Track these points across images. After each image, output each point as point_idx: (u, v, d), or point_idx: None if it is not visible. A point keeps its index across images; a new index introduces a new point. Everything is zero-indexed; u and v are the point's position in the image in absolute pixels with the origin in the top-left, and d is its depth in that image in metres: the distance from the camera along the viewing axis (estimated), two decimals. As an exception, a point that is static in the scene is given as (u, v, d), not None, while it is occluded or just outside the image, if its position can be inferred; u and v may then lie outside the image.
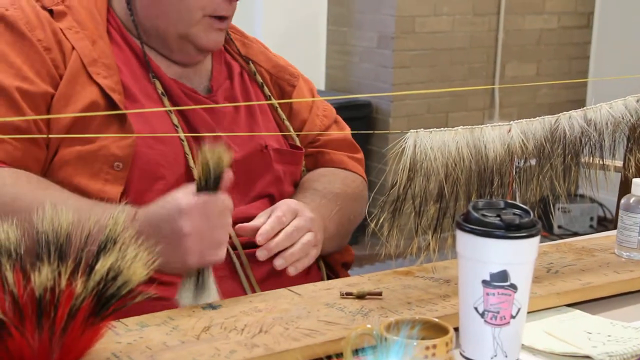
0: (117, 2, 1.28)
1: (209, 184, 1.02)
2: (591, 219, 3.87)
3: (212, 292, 1.02)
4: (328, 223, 1.27)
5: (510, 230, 0.87)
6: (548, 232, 3.72)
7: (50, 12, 1.21)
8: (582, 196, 3.73)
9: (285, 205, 1.19)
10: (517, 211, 0.92)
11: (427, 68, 3.67)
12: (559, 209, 3.69)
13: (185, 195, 1.03)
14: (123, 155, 1.15)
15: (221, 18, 1.26)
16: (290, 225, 1.17)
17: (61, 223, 0.83)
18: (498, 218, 0.89)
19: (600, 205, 3.91)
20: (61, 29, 1.19)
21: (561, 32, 4.00)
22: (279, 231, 1.16)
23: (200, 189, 1.02)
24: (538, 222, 0.90)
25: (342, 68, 3.81)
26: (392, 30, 3.54)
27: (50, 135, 1.15)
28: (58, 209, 0.84)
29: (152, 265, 0.81)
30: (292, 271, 1.16)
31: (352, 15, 3.70)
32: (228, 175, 1.04)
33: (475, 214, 0.89)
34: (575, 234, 3.74)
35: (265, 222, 1.16)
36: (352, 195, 1.36)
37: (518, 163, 1.17)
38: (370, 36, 3.65)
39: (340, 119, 1.48)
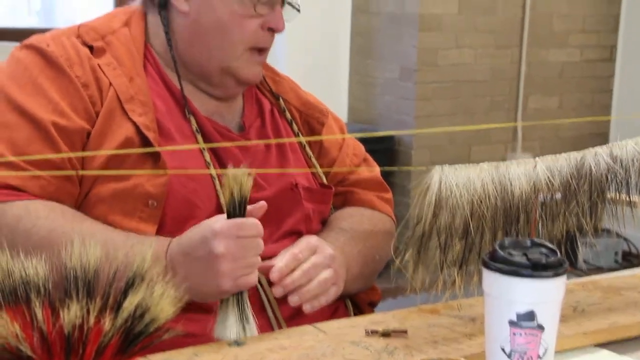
0: (156, 37, 1.30)
1: (237, 209, 1.04)
2: (616, 253, 3.83)
3: (251, 325, 1.03)
4: (352, 262, 1.26)
5: (537, 270, 0.87)
6: (573, 266, 3.68)
7: (90, 48, 1.24)
8: (607, 231, 3.70)
9: (304, 242, 1.20)
10: (544, 250, 0.92)
11: (449, 100, 3.67)
12: (584, 243, 3.66)
13: (217, 219, 1.06)
14: (157, 193, 1.16)
15: (261, 50, 1.29)
16: (308, 261, 1.18)
17: (89, 259, 0.83)
18: (525, 257, 0.89)
19: (626, 240, 3.88)
20: (99, 65, 1.22)
21: (584, 65, 4.00)
22: (296, 268, 1.16)
23: (229, 216, 1.05)
24: (565, 262, 0.90)
25: (365, 100, 3.82)
26: (414, 62, 3.55)
27: (80, 172, 1.16)
28: (87, 244, 0.85)
29: (179, 303, 0.81)
30: (307, 308, 1.17)
31: (375, 48, 3.72)
32: (261, 204, 1.08)
33: (502, 253, 0.89)
34: (600, 269, 3.70)
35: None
36: (379, 236, 1.36)
37: (544, 198, 1.16)
38: (392, 68, 3.67)
39: (369, 157, 1.48)
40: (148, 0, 1.30)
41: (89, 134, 1.17)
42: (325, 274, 1.18)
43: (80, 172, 1.16)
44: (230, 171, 1.02)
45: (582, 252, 3.79)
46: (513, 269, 0.87)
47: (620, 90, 4.08)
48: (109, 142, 1.17)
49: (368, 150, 1.50)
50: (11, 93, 1.18)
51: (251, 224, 1.06)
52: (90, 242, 0.85)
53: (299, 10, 1.33)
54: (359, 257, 1.29)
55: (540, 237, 1.13)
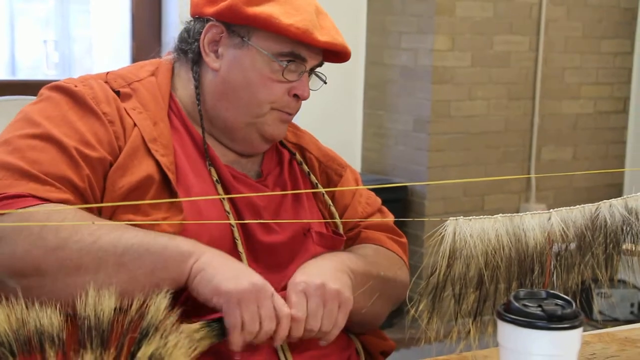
0: (184, 89, 1.34)
1: None
2: (632, 305, 3.79)
3: None
4: (357, 274, 1.27)
5: (552, 321, 0.86)
6: (588, 317, 3.65)
7: (117, 93, 1.28)
8: (623, 282, 3.67)
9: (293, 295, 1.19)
10: (559, 301, 0.91)
11: (462, 151, 3.68)
12: (599, 294, 3.63)
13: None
14: (172, 232, 1.17)
15: (288, 113, 1.32)
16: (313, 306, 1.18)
17: (103, 308, 0.84)
18: (540, 308, 0.88)
19: (640, 290, 3.84)
20: (125, 109, 1.25)
21: (597, 117, 4.01)
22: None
23: None
24: (580, 313, 0.89)
25: (378, 151, 3.84)
26: (428, 114, 3.57)
27: (92, 205, 1.19)
28: (101, 293, 0.85)
29: (194, 353, 0.81)
30: (323, 343, 1.19)
31: (388, 99, 3.75)
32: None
33: (517, 304, 0.89)
34: (616, 320, 3.66)
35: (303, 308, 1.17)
36: (390, 275, 1.36)
37: (558, 249, 1.16)
38: (406, 120, 3.69)
39: (385, 209, 1.50)
40: (182, 54, 1.34)
41: (111, 164, 1.21)
42: (330, 306, 1.18)
43: (91, 205, 1.19)
44: None
45: (598, 304, 3.75)
46: (528, 321, 0.86)
47: (634, 142, 4.08)
48: (130, 176, 1.20)
49: (382, 201, 1.51)
50: (40, 123, 1.21)
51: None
52: (105, 292, 0.86)
53: (325, 82, 1.37)
54: (364, 274, 1.29)
55: (555, 288, 1.13)
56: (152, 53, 1.49)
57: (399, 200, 3.64)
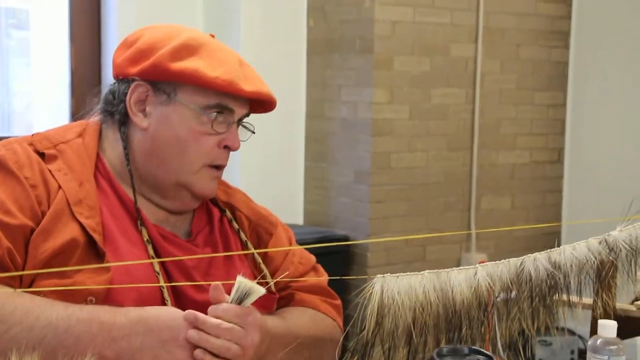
0: (112, 150, 1.34)
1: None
2: (572, 351, 3.84)
3: None
4: (276, 343, 1.27)
5: (474, 378, 0.88)
6: (530, 365, 3.69)
7: (42, 155, 1.27)
8: (563, 329, 3.73)
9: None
10: (481, 357, 0.93)
11: (403, 202, 3.72)
12: (540, 342, 3.67)
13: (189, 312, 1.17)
14: (97, 291, 1.17)
15: (218, 167, 1.33)
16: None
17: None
18: (462, 365, 0.90)
19: (581, 338, 3.90)
20: (50, 170, 1.25)
21: (533, 167, 4.11)
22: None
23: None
24: (502, 369, 0.91)
25: (320, 203, 3.86)
26: (368, 165, 3.61)
27: (13, 273, 1.18)
28: (25, 356, 0.85)
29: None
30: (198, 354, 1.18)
31: (329, 152, 3.79)
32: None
33: (440, 361, 0.91)
34: (557, 367, 3.70)
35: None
36: (319, 335, 1.37)
37: (496, 299, 1.18)
38: (347, 172, 3.73)
39: (320, 267, 1.51)
40: (108, 116, 1.35)
41: (32, 230, 1.20)
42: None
43: (14, 273, 1.19)
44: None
45: (539, 350, 3.77)
46: (450, 378, 0.88)
47: (569, 191, 4.18)
48: (54, 240, 1.20)
49: (324, 253, 1.52)
50: None
51: (221, 328, 1.17)
52: (28, 357, 0.85)
53: (253, 132, 1.38)
54: (288, 350, 1.29)
55: (496, 337, 1.15)
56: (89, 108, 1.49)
57: (341, 252, 3.66)
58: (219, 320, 1.17)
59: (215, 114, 1.29)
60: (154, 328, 1.13)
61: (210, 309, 1.19)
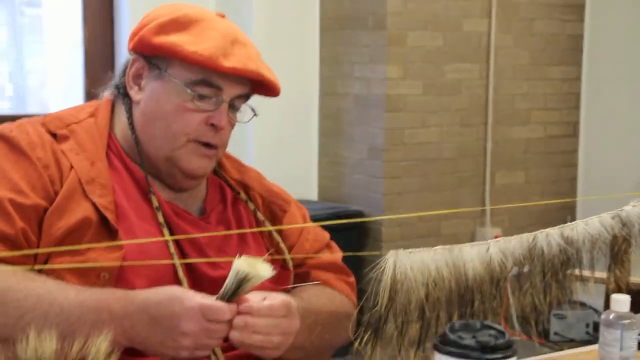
0: (121, 127, 1.35)
1: (228, 292, 1.13)
2: (587, 325, 3.84)
3: None
4: (302, 332, 1.27)
5: (486, 352, 0.89)
6: (545, 338, 3.70)
7: (54, 135, 1.29)
8: (580, 303, 3.73)
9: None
10: (493, 332, 0.94)
11: (417, 178, 3.72)
12: (555, 315, 3.68)
13: (190, 296, 1.13)
14: (109, 267, 1.19)
15: (208, 145, 1.31)
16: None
17: (44, 352, 0.84)
18: (474, 339, 0.91)
19: (596, 311, 3.90)
20: (62, 150, 1.26)
21: (548, 141, 4.09)
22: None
23: (221, 296, 1.13)
24: (513, 342, 0.92)
25: (334, 179, 3.87)
26: (382, 141, 3.61)
27: (28, 251, 1.19)
28: (42, 336, 0.86)
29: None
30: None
31: (343, 128, 3.79)
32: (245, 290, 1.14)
33: (452, 336, 0.92)
34: (572, 341, 3.71)
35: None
36: (334, 311, 1.38)
37: (510, 271, 1.19)
38: (360, 148, 3.73)
39: (334, 244, 1.51)
40: (117, 90, 1.36)
41: (45, 210, 1.21)
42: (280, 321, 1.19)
43: (28, 251, 1.20)
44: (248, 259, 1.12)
45: (553, 324, 3.79)
46: (462, 352, 0.89)
47: (585, 164, 4.16)
48: (67, 219, 1.21)
49: (338, 228, 1.51)
50: None
51: (222, 310, 1.12)
52: (46, 335, 0.87)
53: (255, 114, 1.37)
54: (310, 328, 1.30)
55: (511, 311, 1.16)
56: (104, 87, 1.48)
57: (356, 227, 3.67)
58: (269, 320, 1.17)
59: (200, 90, 1.28)
60: (156, 316, 1.13)
61: (255, 308, 1.17)
